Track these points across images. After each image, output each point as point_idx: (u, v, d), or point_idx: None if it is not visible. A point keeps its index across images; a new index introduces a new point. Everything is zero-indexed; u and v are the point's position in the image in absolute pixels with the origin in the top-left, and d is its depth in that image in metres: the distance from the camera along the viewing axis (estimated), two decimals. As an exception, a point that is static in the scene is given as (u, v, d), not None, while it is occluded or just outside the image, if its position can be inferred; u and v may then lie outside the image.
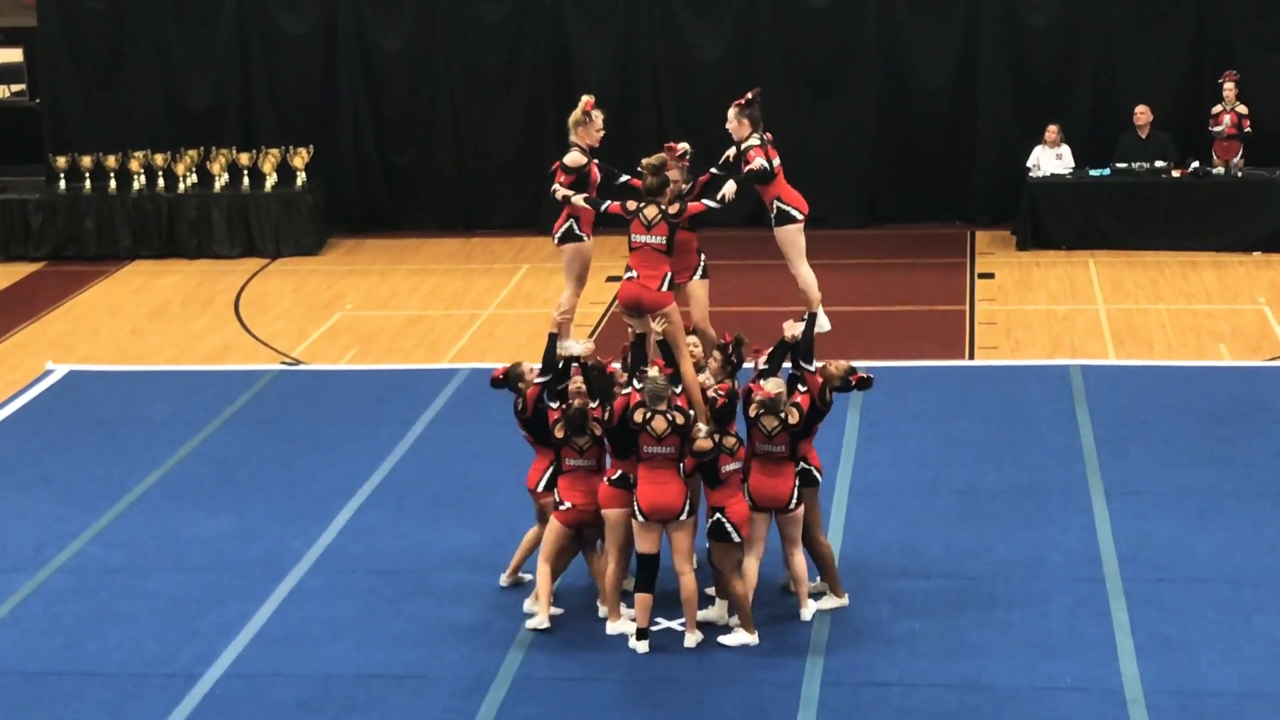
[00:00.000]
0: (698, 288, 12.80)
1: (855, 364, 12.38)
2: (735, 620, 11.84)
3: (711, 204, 12.33)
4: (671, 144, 12.79)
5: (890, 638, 11.82)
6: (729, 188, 12.30)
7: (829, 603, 12.16)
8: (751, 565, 11.92)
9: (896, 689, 11.18)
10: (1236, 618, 11.97)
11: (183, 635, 12.23)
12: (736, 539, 11.70)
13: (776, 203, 12.47)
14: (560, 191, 12.75)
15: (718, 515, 11.66)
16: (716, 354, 12.32)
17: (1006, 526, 13.50)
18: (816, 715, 10.89)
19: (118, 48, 24.14)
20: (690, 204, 12.35)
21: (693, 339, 12.44)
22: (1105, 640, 11.70)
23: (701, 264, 12.85)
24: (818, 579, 12.34)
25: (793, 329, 12.15)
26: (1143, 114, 21.88)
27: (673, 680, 11.36)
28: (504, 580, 12.64)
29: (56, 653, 12.08)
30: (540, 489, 12.28)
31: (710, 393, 11.98)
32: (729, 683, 11.34)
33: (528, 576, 12.54)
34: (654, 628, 11.86)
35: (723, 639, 11.75)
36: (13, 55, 26.59)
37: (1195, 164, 21.63)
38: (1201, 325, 18.73)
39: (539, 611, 12.04)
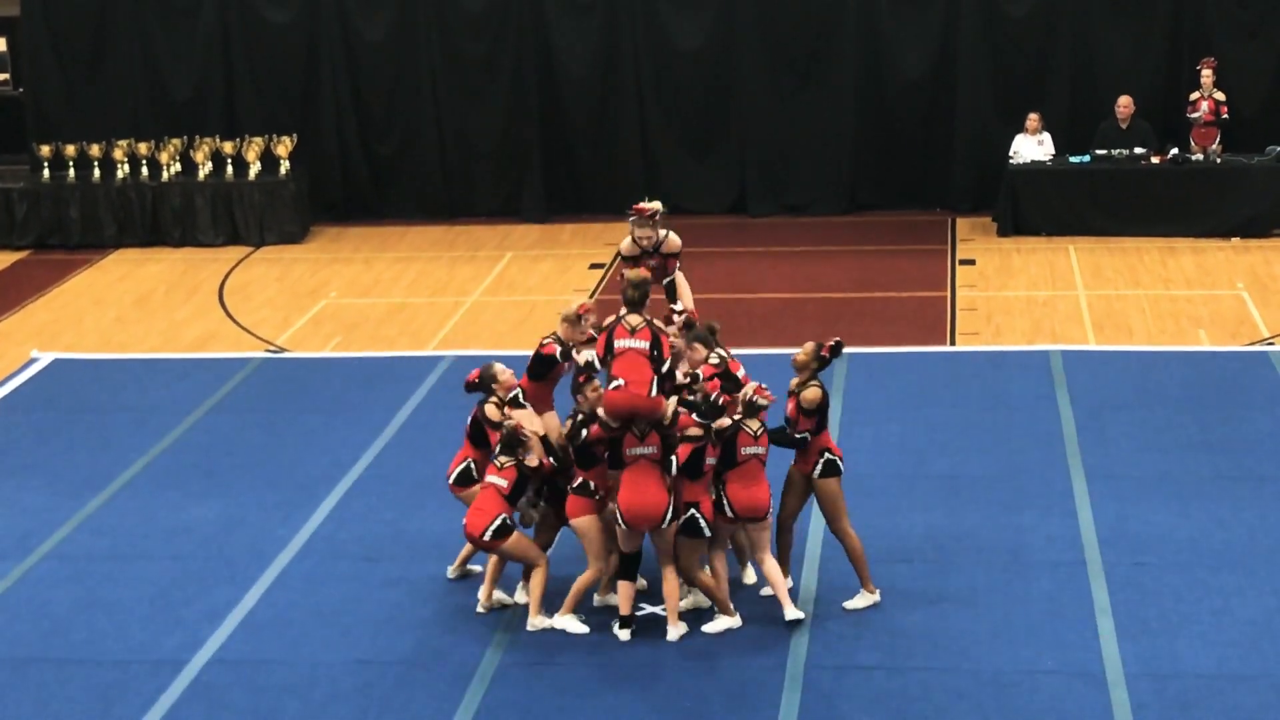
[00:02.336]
0: (679, 279, 12.73)
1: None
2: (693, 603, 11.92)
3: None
4: (641, 205, 12.66)
5: (872, 622, 11.84)
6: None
7: (861, 600, 12.00)
8: (720, 560, 11.88)
9: (879, 672, 11.20)
10: (1215, 600, 12.01)
11: (169, 622, 12.23)
12: (707, 533, 11.61)
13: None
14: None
15: (693, 511, 11.58)
16: (677, 319, 12.26)
17: (987, 511, 13.53)
18: (800, 699, 10.92)
19: (100, 37, 24.09)
20: (683, 417, 11.64)
21: (671, 329, 12.37)
22: (1086, 623, 11.74)
23: (678, 266, 12.72)
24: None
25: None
26: (1125, 106, 21.91)
27: (656, 665, 11.37)
28: (451, 572, 12.62)
29: (43, 640, 12.07)
30: (452, 481, 12.28)
31: (696, 380, 11.90)
32: (712, 667, 11.35)
33: (476, 568, 12.54)
34: (638, 613, 11.87)
35: (706, 627, 11.75)
36: (-5, 45, 26.53)
37: (1174, 151, 21.66)
38: (1180, 311, 18.78)
39: (480, 597, 12.11)
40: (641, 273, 12.06)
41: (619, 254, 12.47)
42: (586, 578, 11.83)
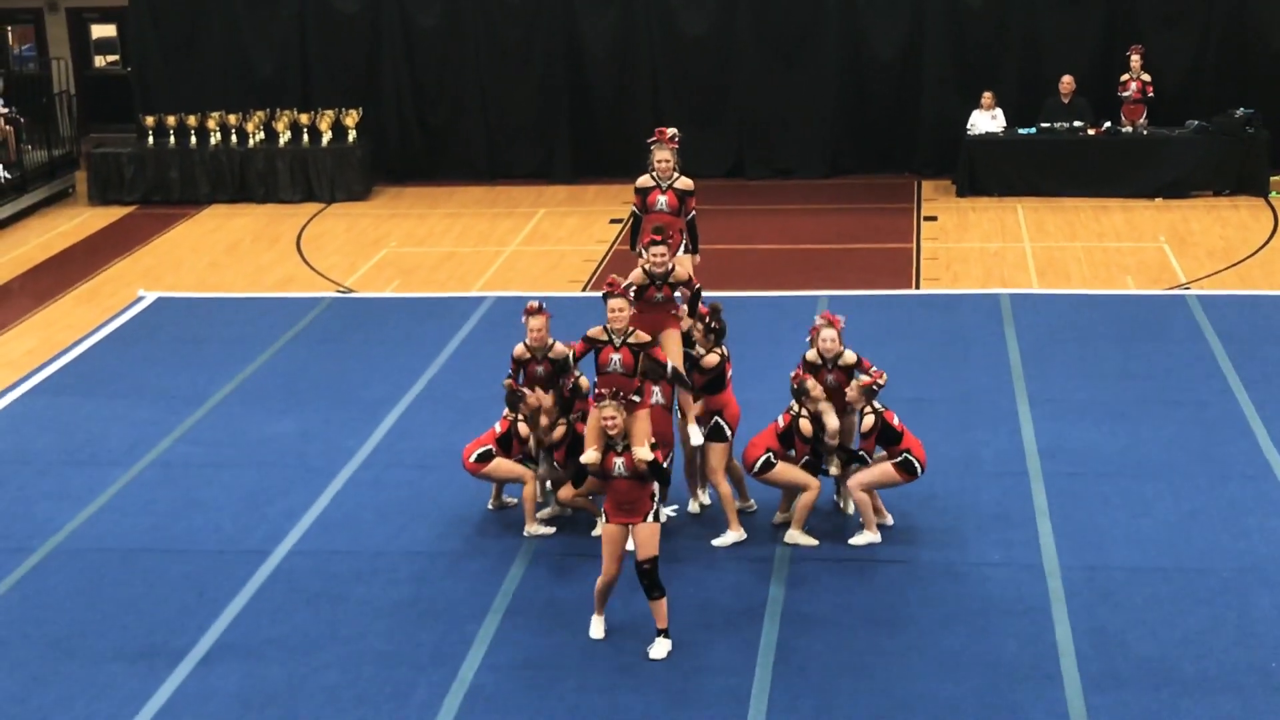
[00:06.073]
0: (686, 261, 12.30)
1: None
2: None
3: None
4: (661, 129, 12.33)
5: (849, 523, 11.87)
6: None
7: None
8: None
9: (853, 564, 11.25)
10: (1138, 505, 12.03)
11: (255, 519, 12.30)
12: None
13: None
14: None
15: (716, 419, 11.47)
16: (699, 325, 11.59)
17: (946, 429, 13.52)
18: (786, 583, 10.97)
19: (196, 24, 24.00)
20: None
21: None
22: (1028, 523, 11.77)
23: (684, 242, 12.16)
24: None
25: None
26: (1068, 84, 21.78)
27: (671, 563, 11.30)
28: (491, 504, 12.33)
29: (148, 533, 12.15)
30: (473, 460, 11.86)
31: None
32: (712, 562, 11.39)
33: (512, 500, 12.38)
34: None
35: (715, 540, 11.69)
36: (108, 30, 26.53)
37: (1108, 124, 21.56)
38: (1111, 260, 18.71)
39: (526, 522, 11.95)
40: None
41: (634, 193, 12.14)
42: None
